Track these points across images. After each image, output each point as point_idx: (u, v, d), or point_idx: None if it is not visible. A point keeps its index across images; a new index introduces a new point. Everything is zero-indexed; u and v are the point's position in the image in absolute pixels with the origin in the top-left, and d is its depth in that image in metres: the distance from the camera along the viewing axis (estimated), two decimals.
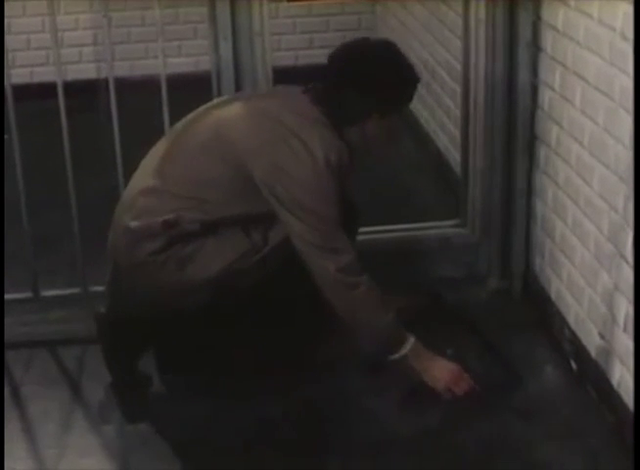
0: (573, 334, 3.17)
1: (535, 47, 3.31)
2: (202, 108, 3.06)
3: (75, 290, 3.48)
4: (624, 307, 2.78)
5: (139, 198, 2.98)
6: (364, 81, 2.88)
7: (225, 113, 2.98)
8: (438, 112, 4.74)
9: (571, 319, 3.21)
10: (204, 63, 4.28)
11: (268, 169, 2.84)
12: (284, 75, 3.40)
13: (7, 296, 3.37)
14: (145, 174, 3.02)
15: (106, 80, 3.38)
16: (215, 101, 3.15)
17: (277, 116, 2.88)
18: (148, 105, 3.65)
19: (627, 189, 2.71)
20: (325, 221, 2.85)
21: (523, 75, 3.35)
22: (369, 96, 2.89)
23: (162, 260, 2.92)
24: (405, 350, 2.94)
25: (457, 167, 3.94)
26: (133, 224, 2.95)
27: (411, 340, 2.95)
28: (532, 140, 3.42)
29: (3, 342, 3.21)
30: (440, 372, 2.98)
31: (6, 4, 3.38)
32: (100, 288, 3.36)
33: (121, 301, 3.10)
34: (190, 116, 3.06)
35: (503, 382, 3.09)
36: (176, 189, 2.93)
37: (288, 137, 2.83)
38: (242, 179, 2.87)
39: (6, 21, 3.57)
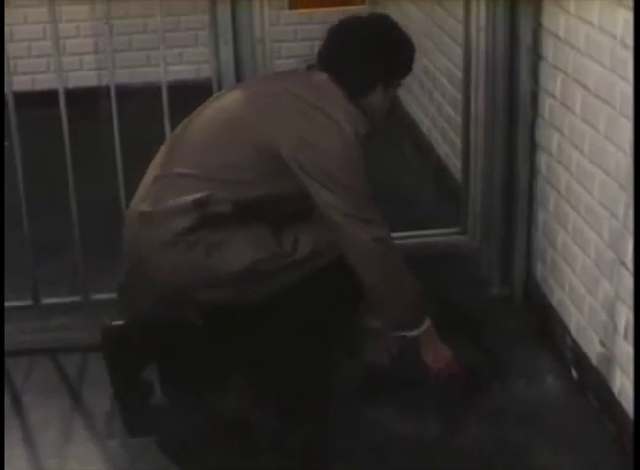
0: (574, 341, 3.17)
1: (536, 54, 3.31)
2: (206, 102, 3.04)
3: (76, 297, 3.47)
4: (625, 315, 2.78)
5: (152, 187, 2.91)
6: (367, 55, 2.90)
7: (238, 96, 2.97)
8: (439, 119, 4.73)
9: (572, 327, 3.20)
10: (204, 70, 4.30)
11: (294, 144, 2.81)
12: None
13: (7, 303, 3.37)
14: (157, 165, 2.96)
15: (107, 88, 3.39)
16: (216, 94, 3.14)
17: (293, 91, 2.88)
18: (149, 112, 3.65)
19: (628, 196, 2.71)
20: (356, 192, 2.83)
21: (523, 82, 3.35)
22: (374, 68, 2.91)
23: (193, 241, 2.83)
24: (423, 327, 2.96)
25: (458, 175, 3.94)
26: (148, 208, 2.87)
27: (427, 320, 2.97)
28: (533, 147, 3.42)
29: (3, 349, 3.20)
30: (441, 355, 3.00)
31: (7, 11, 3.38)
32: (101, 295, 3.36)
33: (137, 299, 3.04)
34: (196, 110, 3.02)
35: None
36: (200, 174, 2.86)
37: (309, 110, 2.83)
38: (267, 158, 2.83)
39: (7, 28, 3.56)
